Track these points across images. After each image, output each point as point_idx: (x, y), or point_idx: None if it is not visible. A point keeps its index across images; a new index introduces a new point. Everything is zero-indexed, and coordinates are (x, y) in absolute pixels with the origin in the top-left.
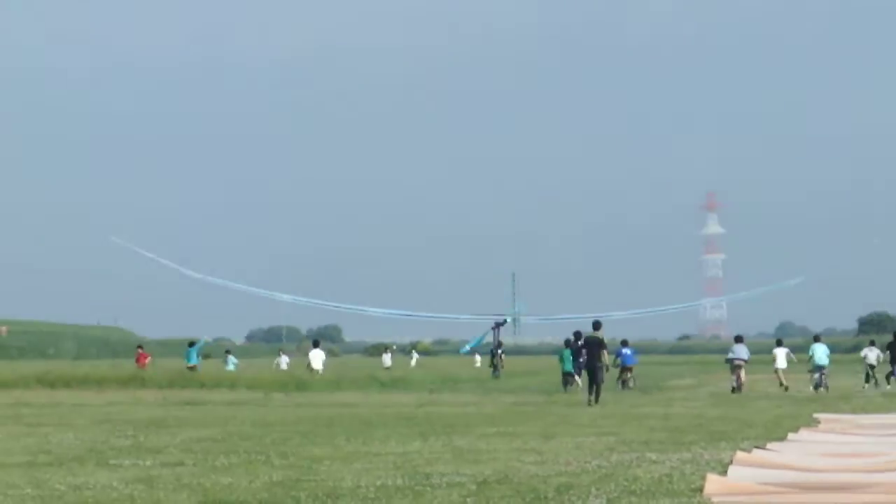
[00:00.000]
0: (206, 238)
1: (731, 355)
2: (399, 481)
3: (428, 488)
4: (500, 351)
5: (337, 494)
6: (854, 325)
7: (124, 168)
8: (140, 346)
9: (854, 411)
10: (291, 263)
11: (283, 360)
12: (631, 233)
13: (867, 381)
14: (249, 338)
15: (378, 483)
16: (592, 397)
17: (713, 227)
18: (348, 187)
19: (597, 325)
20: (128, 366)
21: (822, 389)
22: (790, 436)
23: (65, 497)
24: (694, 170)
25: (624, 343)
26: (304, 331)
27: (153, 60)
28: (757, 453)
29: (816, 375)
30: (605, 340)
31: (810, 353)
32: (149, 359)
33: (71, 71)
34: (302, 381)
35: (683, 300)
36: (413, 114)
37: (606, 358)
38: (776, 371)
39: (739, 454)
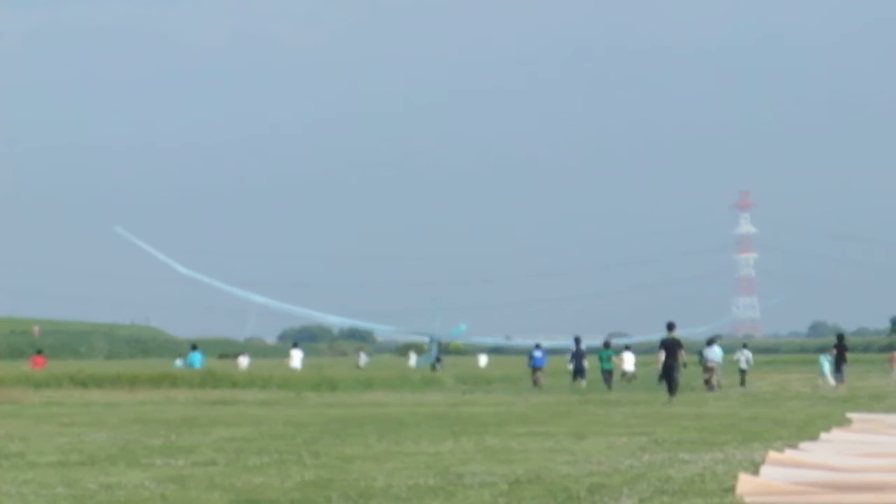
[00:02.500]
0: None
1: (703, 359)
2: (431, 481)
3: (460, 488)
4: (438, 363)
5: (369, 494)
6: (887, 325)
7: (146, 166)
8: (40, 351)
9: (887, 411)
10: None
11: (244, 361)
12: (664, 233)
13: (742, 384)
14: (282, 337)
15: (410, 483)
16: (672, 395)
17: (745, 227)
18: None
19: (671, 326)
20: (159, 364)
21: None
22: (822, 435)
23: (97, 496)
24: (726, 169)
25: (537, 346)
26: (335, 330)
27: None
28: (789, 453)
29: (707, 374)
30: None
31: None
32: (44, 364)
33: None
34: (334, 380)
35: (715, 300)
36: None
37: (684, 357)
38: (623, 373)
39: (772, 454)
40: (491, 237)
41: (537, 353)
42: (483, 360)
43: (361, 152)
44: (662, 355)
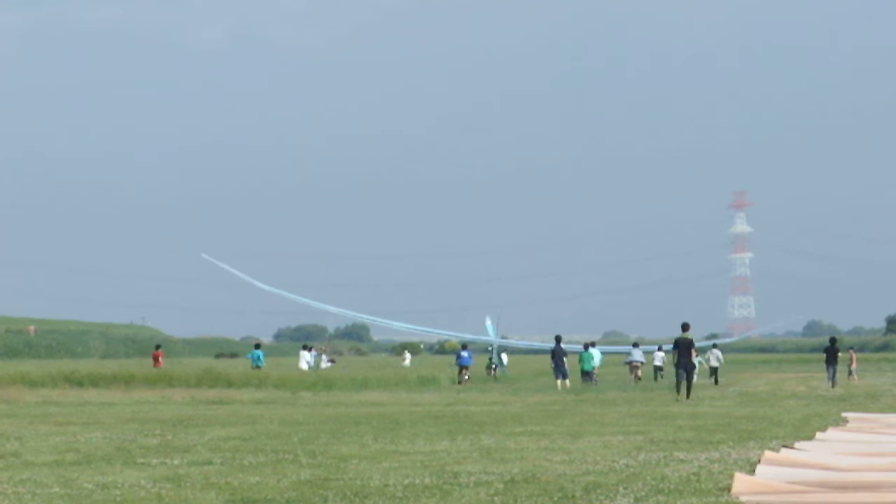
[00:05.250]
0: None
1: (629, 358)
2: (427, 480)
3: (456, 487)
4: (493, 365)
5: (365, 493)
6: (882, 324)
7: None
8: (158, 346)
9: (883, 410)
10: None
11: (325, 361)
12: (660, 233)
13: (715, 382)
14: (277, 336)
15: (406, 482)
16: (684, 394)
17: (741, 227)
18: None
19: (685, 327)
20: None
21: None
22: (818, 435)
23: (93, 496)
24: (723, 169)
25: (464, 347)
26: (331, 329)
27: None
28: (785, 452)
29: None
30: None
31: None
32: (162, 359)
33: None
34: (329, 379)
35: (711, 299)
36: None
37: (696, 356)
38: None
39: (767, 453)
40: (487, 238)
41: (464, 353)
42: (504, 358)
43: (360, 154)
44: (676, 355)
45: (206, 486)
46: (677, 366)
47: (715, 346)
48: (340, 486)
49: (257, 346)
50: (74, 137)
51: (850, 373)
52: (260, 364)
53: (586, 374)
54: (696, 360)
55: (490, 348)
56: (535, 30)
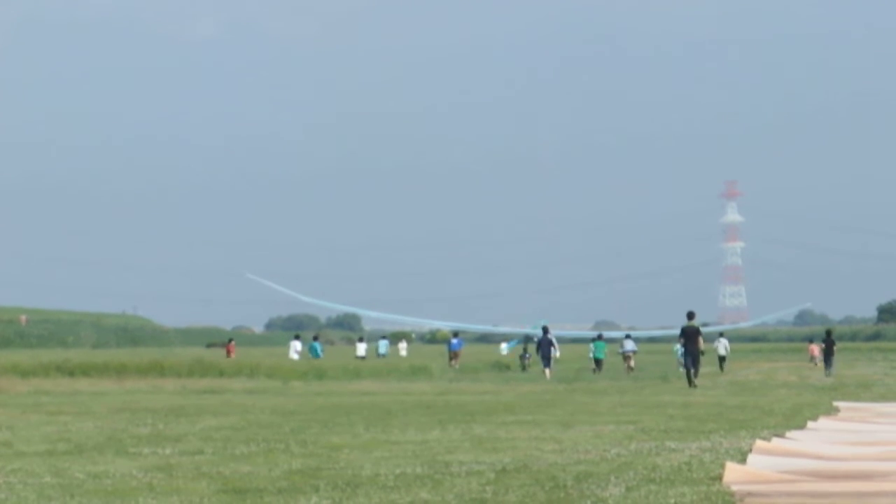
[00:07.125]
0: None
1: (621, 349)
2: (418, 469)
3: (447, 476)
4: (527, 355)
5: (356, 483)
6: (873, 314)
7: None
8: (231, 339)
9: (874, 399)
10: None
11: (403, 347)
12: (652, 223)
13: (721, 369)
14: (269, 326)
15: (397, 471)
16: (694, 379)
17: (732, 216)
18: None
19: (691, 315)
20: (146, 353)
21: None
22: (810, 424)
23: (84, 485)
24: (714, 159)
25: (455, 335)
26: (322, 319)
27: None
28: (776, 442)
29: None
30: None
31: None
32: (234, 351)
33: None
34: (321, 369)
35: (702, 289)
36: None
37: (703, 344)
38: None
39: (759, 442)
40: (481, 229)
41: (454, 340)
42: (505, 348)
43: (356, 146)
44: (682, 342)
45: (198, 476)
46: (684, 354)
47: (721, 335)
48: (332, 475)
49: (315, 338)
50: (65, 127)
51: (815, 361)
52: (318, 355)
53: (598, 362)
54: (702, 347)
55: (534, 339)
56: (528, 19)
